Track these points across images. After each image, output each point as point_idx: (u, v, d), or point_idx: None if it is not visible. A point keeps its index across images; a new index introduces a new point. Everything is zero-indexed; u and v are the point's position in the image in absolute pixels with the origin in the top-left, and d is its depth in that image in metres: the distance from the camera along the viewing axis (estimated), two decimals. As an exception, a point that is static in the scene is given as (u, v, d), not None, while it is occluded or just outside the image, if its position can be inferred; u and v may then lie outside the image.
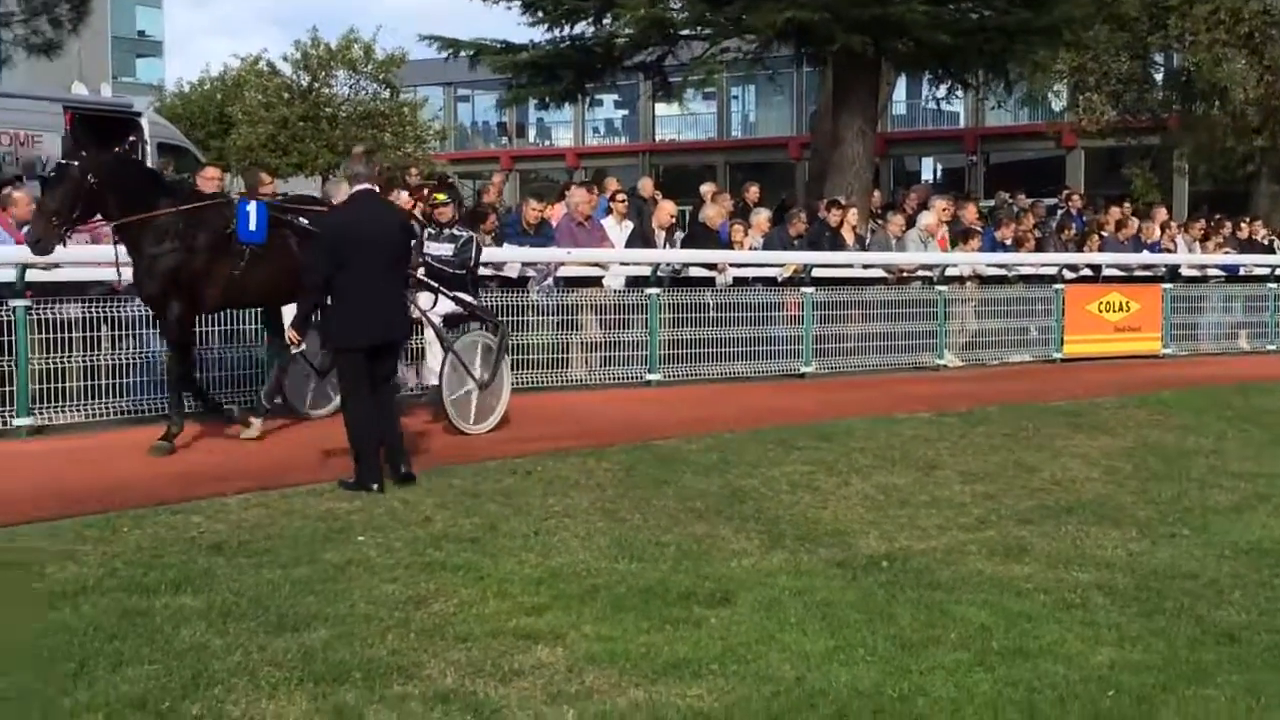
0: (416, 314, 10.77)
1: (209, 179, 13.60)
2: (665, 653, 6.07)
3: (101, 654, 5.72)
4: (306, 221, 10.51)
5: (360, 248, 8.93)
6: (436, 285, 11.13)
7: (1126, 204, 22.54)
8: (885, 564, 7.79)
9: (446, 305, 11.28)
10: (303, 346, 10.05)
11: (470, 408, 11.13)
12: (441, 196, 12.44)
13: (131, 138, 20.98)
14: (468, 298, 11.48)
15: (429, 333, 11.44)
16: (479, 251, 11.89)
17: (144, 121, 21.40)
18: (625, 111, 55.50)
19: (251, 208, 10.38)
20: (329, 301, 9.18)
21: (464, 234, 11.87)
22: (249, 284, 10.39)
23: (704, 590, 7.05)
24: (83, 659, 5.65)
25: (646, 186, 18.86)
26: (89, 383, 10.91)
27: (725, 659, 6.02)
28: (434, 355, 11.48)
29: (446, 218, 12.06)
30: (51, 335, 10.77)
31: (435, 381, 11.23)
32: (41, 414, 10.74)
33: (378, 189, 9.79)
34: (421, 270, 11.08)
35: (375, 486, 8.79)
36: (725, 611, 6.74)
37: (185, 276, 10.00)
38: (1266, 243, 21.80)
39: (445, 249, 11.59)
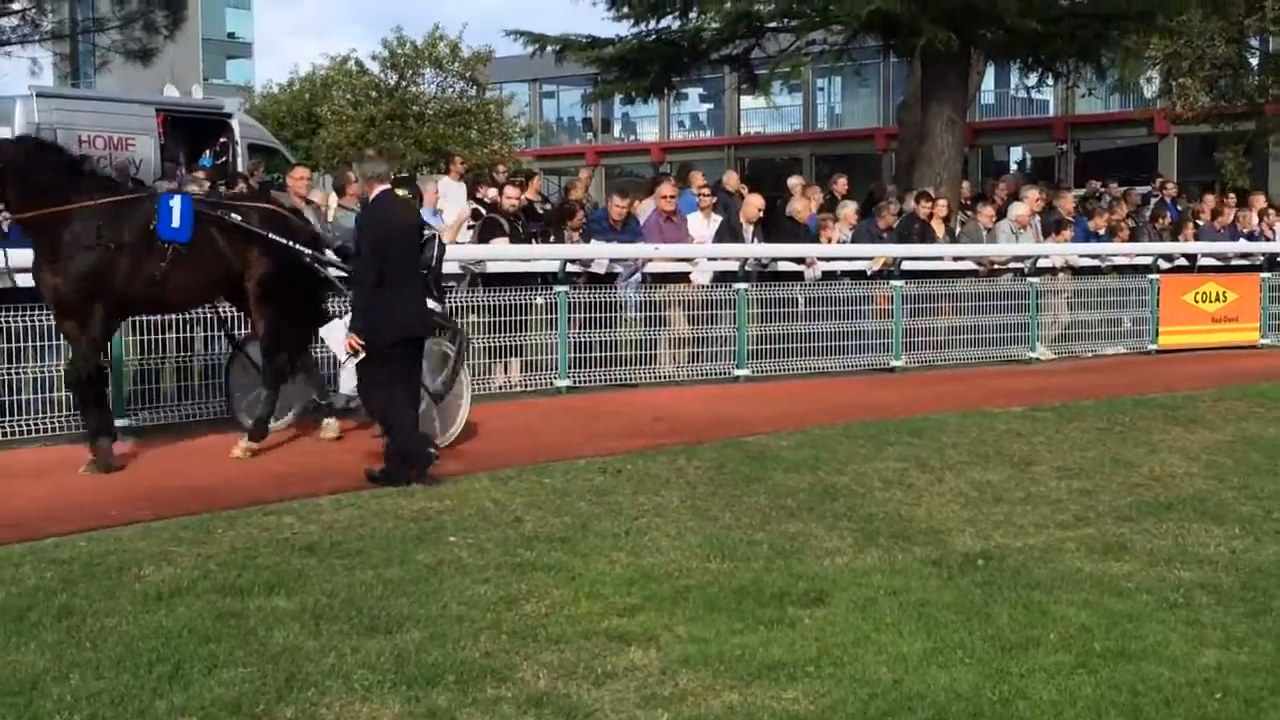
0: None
1: (298, 178, 13.71)
2: (759, 654, 6.00)
3: (196, 656, 5.76)
4: (240, 218, 9.97)
5: (398, 245, 9.15)
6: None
7: (1230, 194, 22.07)
8: (981, 563, 7.66)
9: None
10: (361, 355, 9.27)
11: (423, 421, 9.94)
12: (402, 192, 11.86)
13: (223, 138, 21.25)
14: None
15: None
16: (441, 251, 10.61)
17: (234, 122, 21.62)
18: (710, 105, 55.35)
19: (175, 203, 9.70)
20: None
21: (426, 233, 10.68)
22: (171, 286, 9.69)
23: (797, 590, 6.97)
24: (178, 661, 5.68)
25: (731, 180, 18.75)
26: (183, 384, 11.01)
27: (820, 661, 5.94)
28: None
29: None
30: (146, 337, 10.87)
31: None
32: (136, 415, 10.86)
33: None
34: None
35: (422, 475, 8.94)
36: (820, 612, 6.66)
37: (105, 277, 9.34)
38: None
39: None
